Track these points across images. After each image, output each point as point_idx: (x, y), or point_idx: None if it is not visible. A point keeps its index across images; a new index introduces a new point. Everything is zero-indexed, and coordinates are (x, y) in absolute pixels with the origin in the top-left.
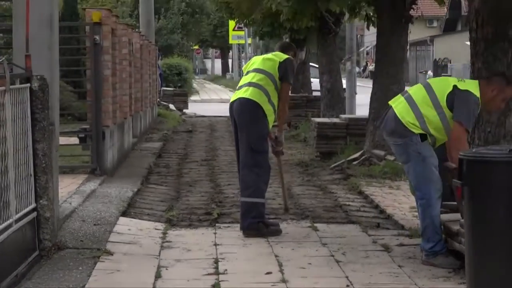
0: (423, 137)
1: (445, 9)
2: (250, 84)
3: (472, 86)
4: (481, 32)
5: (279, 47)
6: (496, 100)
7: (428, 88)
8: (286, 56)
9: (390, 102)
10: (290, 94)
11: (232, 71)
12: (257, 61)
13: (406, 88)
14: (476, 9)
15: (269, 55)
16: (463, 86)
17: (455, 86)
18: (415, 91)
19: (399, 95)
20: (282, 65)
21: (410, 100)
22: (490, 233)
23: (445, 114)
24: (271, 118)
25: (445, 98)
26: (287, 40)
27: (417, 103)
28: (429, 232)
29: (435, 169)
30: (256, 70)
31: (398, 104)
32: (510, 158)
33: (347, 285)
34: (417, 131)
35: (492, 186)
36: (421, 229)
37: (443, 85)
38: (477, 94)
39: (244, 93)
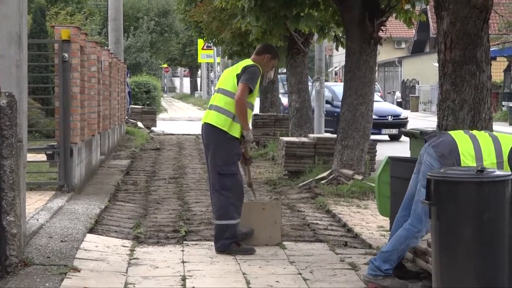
0: None
1: (414, 31)
2: (211, 107)
3: None
4: (450, 54)
5: (255, 50)
6: None
7: (494, 138)
8: (245, 64)
9: (450, 133)
10: (260, 113)
11: (200, 90)
12: (222, 78)
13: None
14: (444, 31)
15: (232, 68)
16: None
17: None
18: (480, 134)
19: (461, 131)
20: (239, 75)
21: (474, 140)
22: (458, 253)
23: (503, 166)
24: (243, 126)
25: (508, 151)
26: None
27: (481, 145)
28: (394, 256)
29: (422, 201)
30: (219, 91)
31: (461, 139)
32: (477, 179)
33: None
34: None
35: (459, 206)
36: (388, 249)
37: (509, 140)
38: None
39: (207, 117)
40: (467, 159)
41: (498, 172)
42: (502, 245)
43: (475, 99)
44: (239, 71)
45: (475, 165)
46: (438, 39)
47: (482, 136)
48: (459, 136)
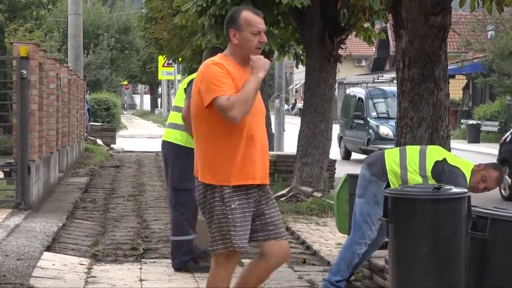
0: (388, 186)
1: (374, 49)
2: (168, 125)
3: (462, 164)
4: (408, 72)
5: (203, 57)
6: (479, 186)
7: (422, 152)
8: (190, 78)
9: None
10: None
11: (161, 107)
12: (176, 95)
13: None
14: (403, 50)
15: (182, 84)
16: (453, 161)
17: (445, 159)
18: (411, 147)
19: (397, 148)
20: (186, 89)
21: (402, 153)
22: (414, 270)
23: (427, 181)
24: None
25: (432, 165)
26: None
27: (407, 155)
28: (343, 265)
29: (379, 218)
30: (173, 108)
31: (390, 150)
32: (434, 196)
33: None
34: (393, 180)
35: (416, 223)
36: (337, 260)
37: (435, 153)
38: (466, 172)
39: (165, 135)
40: (393, 164)
41: (454, 190)
42: (458, 262)
43: (433, 117)
44: (185, 86)
45: (399, 170)
46: (397, 57)
47: (412, 148)
48: (390, 149)
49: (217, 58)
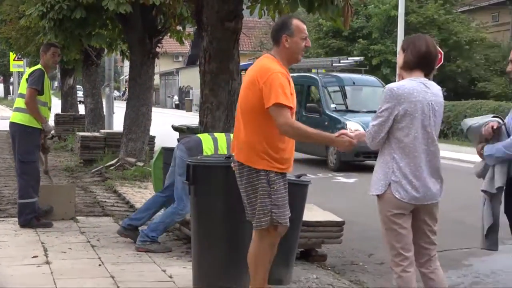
0: None
1: (188, 47)
2: (14, 109)
3: None
4: (208, 66)
5: (40, 51)
6: None
7: (228, 143)
8: (31, 71)
9: (199, 135)
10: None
11: (13, 94)
12: (21, 84)
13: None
14: (204, 48)
15: (24, 75)
16: None
17: None
18: (220, 137)
19: (207, 134)
20: (28, 79)
21: (215, 142)
22: (210, 222)
23: None
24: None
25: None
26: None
27: (219, 149)
28: (161, 227)
29: (183, 182)
30: (18, 95)
31: (205, 139)
32: (226, 163)
33: (99, 264)
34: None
35: (212, 185)
36: (156, 221)
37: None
38: None
39: (12, 117)
40: (208, 152)
41: None
42: (244, 215)
43: (228, 102)
44: (27, 77)
45: None
46: (200, 54)
47: (221, 138)
48: (205, 137)
49: (274, 63)
